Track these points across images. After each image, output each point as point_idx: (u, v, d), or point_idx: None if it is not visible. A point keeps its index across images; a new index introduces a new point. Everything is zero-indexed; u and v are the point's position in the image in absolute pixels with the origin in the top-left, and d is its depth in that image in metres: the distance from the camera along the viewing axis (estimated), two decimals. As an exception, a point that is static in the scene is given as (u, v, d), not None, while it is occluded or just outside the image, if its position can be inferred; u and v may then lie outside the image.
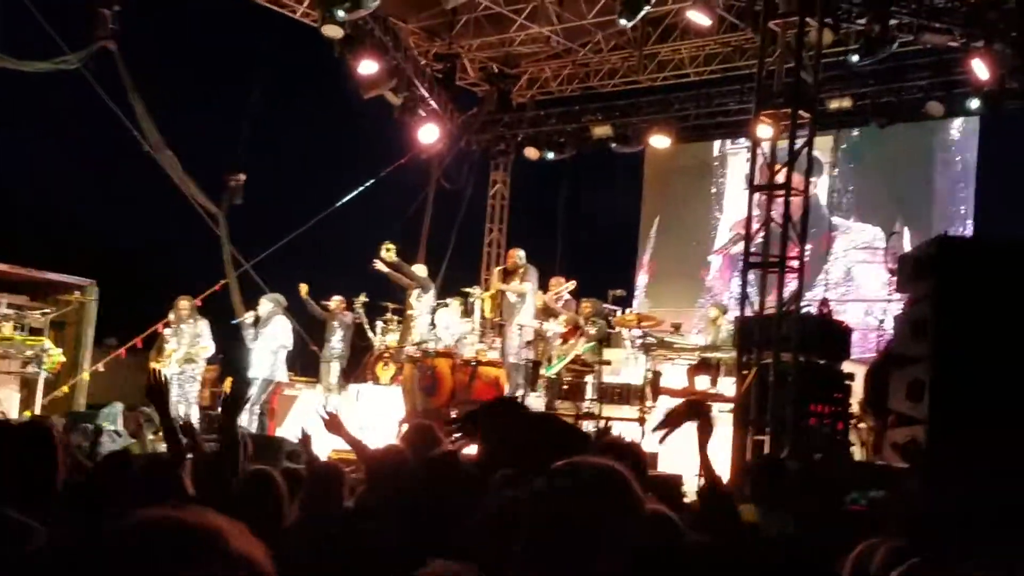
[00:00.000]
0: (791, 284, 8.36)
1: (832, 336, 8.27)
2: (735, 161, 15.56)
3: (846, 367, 8.51)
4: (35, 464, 3.41)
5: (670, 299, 15.79)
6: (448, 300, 13.20)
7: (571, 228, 15.85)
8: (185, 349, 11.42)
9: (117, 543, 1.17)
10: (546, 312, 11.75)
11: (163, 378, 4.69)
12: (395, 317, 13.55)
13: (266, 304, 11.67)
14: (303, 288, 12.72)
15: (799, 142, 8.39)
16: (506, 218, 16.76)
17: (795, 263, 8.25)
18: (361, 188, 14.58)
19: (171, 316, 12.19)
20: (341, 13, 11.05)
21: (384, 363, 12.75)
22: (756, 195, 8.48)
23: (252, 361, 11.52)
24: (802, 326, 8.05)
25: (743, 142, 15.18)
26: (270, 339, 11.46)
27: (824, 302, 8.52)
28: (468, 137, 15.55)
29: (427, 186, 15.45)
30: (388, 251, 11.72)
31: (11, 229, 14.66)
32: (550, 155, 14.97)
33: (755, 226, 8.43)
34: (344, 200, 14.55)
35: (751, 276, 8.59)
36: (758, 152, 8.55)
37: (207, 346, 11.60)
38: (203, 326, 11.65)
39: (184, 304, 11.77)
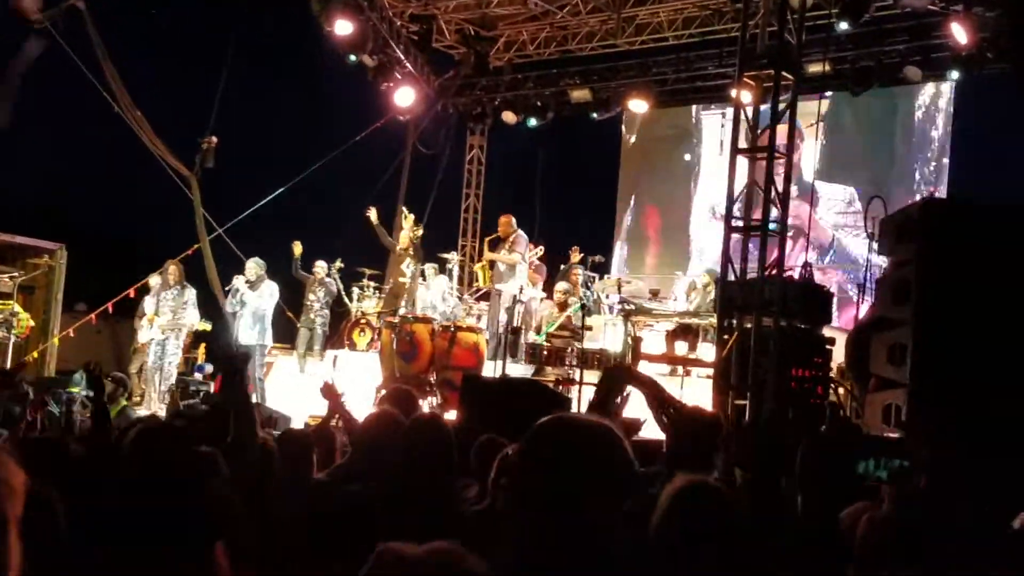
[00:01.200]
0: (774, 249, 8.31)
1: (814, 300, 8.25)
2: (710, 125, 15.51)
3: (827, 332, 8.51)
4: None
5: (648, 265, 15.78)
6: (424, 266, 13.12)
7: (549, 193, 15.75)
8: (169, 316, 11.23)
9: None
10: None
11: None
12: (371, 283, 13.46)
13: (254, 268, 11.49)
14: (297, 246, 12.59)
15: (782, 104, 8.33)
16: (483, 183, 16.63)
17: (777, 227, 8.21)
18: (336, 152, 14.38)
19: (153, 280, 11.99)
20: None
21: (360, 329, 12.66)
22: (739, 158, 8.41)
23: (240, 327, 11.33)
24: (784, 290, 8.02)
25: (717, 107, 15.17)
26: (259, 303, 11.30)
27: (806, 266, 8.49)
28: (445, 101, 15.38)
29: (404, 150, 15.29)
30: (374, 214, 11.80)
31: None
32: (530, 121, 14.82)
33: (737, 190, 8.37)
34: (319, 164, 14.34)
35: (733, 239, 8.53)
36: (740, 115, 8.47)
37: (193, 317, 11.44)
38: (190, 294, 11.48)
39: (172, 268, 11.58)
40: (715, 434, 3.71)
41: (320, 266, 12.77)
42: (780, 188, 8.26)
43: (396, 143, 15.26)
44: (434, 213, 15.46)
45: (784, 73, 8.21)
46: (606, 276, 13.67)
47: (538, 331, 11.24)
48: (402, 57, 13.81)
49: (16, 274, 11.88)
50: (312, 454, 4.56)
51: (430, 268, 12.86)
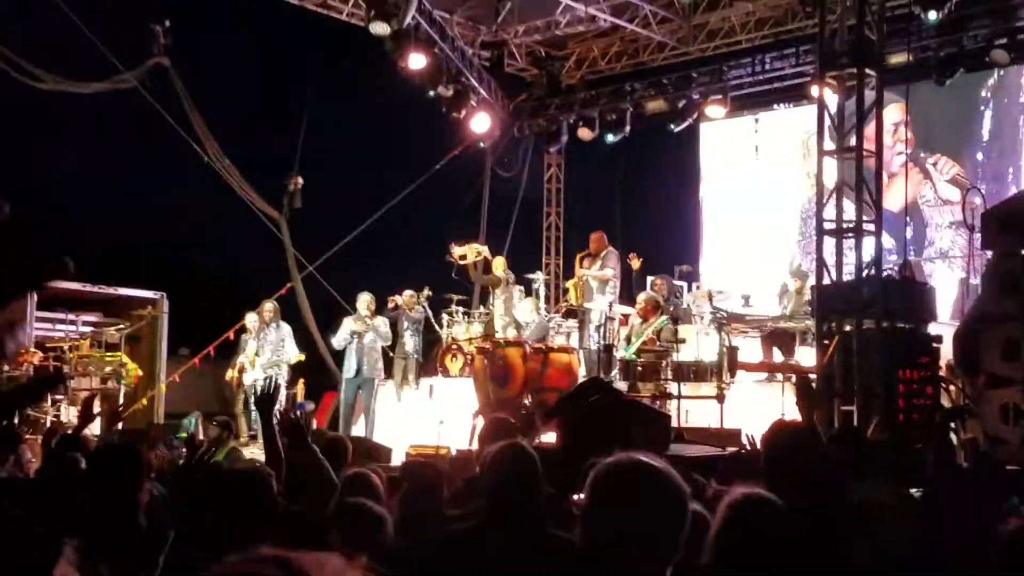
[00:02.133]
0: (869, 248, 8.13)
1: (916, 298, 8.03)
2: (782, 127, 15.32)
3: (933, 329, 8.27)
4: (120, 487, 3.43)
5: (736, 271, 15.56)
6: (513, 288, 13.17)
7: (629, 206, 15.68)
8: (269, 354, 11.48)
9: None
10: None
11: (275, 388, 4.74)
12: (459, 308, 13.57)
13: (368, 302, 11.58)
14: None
15: (866, 102, 8.16)
16: (563, 201, 16.66)
17: (871, 226, 8.03)
18: (417, 182, 14.58)
19: (249, 320, 12.27)
20: (391, 22, 11.18)
21: (452, 355, 12.75)
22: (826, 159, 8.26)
23: (357, 362, 11.36)
24: (884, 290, 7.83)
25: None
26: (375, 339, 11.41)
27: (906, 264, 8.27)
28: (520, 123, 15.46)
29: (482, 175, 15.43)
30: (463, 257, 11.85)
31: (80, 248, 14.94)
32: (607, 136, 14.79)
33: (827, 191, 8.22)
34: (400, 196, 14.56)
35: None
36: (824, 116, 8.32)
37: (293, 352, 11.66)
38: (287, 330, 11.72)
39: (268, 307, 11.86)
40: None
41: (407, 295, 12.89)
42: (871, 187, 8.08)
43: (474, 169, 15.42)
44: (516, 234, 15.57)
45: (867, 70, 8.05)
46: (695, 285, 13.54)
47: (628, 342, 11.14)
48: (476, 84, 13.95)
49: (123, 326, 12.31)
50: (441, 486, 4.59)
51: (517, 290, 12.92)
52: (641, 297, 11.24)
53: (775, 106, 15.07)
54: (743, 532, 2.26)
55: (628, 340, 10.84)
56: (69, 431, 9.98)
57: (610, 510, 2.03)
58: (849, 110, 8.38)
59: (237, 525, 3.18)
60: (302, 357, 12.28)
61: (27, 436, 7.91)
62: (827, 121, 8.37)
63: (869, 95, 8.33)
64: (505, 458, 3.75)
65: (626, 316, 11.79)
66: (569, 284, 12.94)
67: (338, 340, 11.42)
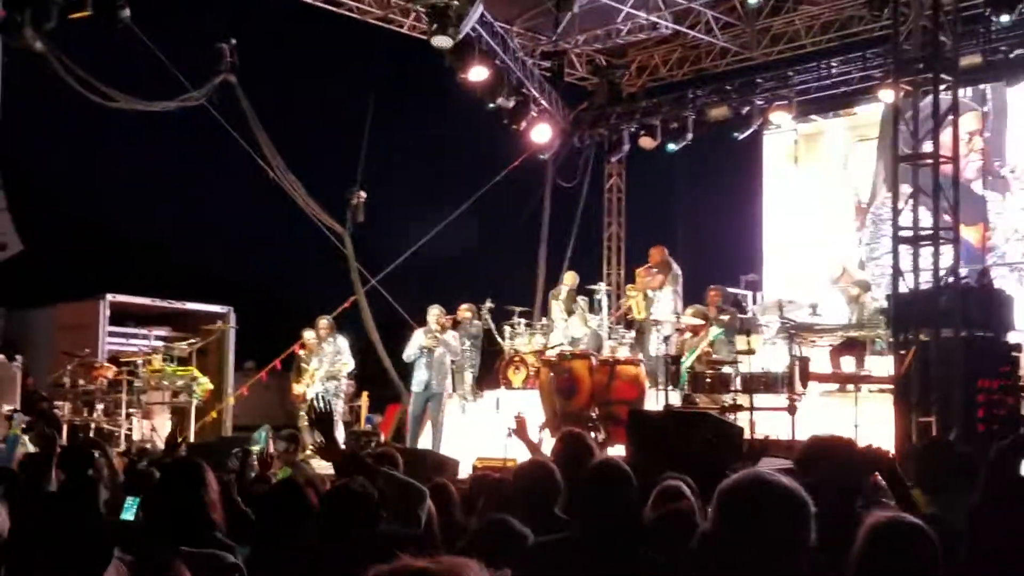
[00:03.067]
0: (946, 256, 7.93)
1: (995, 307, 7.83)
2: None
3: (1012, 338, 8.05)
4: (186, 503, 3.45)
5: (797, 279, 15.32)
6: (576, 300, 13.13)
7: (691, 215, 15.53)
8: (327, 367, 11.63)
9: None
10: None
11: (328, 406, 4.74)
12: (522, 320, 13.55)
13: (438, 317, 11.50)
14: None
15: (941, 106, 7.96)
16: (624, 211, 16.55)
17: (949, 234, 7.83)
18: (478, 193, 14.61)
19: (307, 335, 12.44)
20: (450, 33, 11.22)
21: (515, 367, 12.74)
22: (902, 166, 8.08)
23: (427, 376, 11.30)
24: (963, 299, 7.63)
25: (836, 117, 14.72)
26: (444, 352, 11.40)
27: (984, 272, 8.06)
28: (581, 133, 15.41)
29: (543, 186, 15.40)
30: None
31: (148, 263, 15.26)
32: (669, 145, 14.64)
33: (903, 197, 8.04)
34: (461, 208, 14.61)
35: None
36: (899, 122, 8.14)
37: (348, 362, 11.80)
38: (343, 343, 11.87)
39: (323, 323, 12.04)
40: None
41: (464, 309, 12.89)
42: (949, 193, 7.88)
43: (536, 179, 15.40)
44: (578, 245, 15.51)
45: (942, 75, 7.86)
46: (759, 295, 13.34)
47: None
48: (536, 95, 13.93)
49: (193, 340, 12.51)
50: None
51: (582, 300, 12.87)
52: (688, 312, 11.12)
53: (840, 111, 14.81)
54: (888, 557, 2.22)
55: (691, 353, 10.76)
56: (147, 446, 10.15)
57: (740, 527, 2.02)
58: (924, 113, 8.21)
59: (341, 542, 3.18)
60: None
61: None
62: (902, 126, 8.19)
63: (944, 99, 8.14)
64: (601, 474, 3.72)
65: (695, 328, 11.67)
66: (631, 296, 12.83)
67: (408, 353, 11.41)
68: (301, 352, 12.77)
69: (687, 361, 10.57)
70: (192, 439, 11.60)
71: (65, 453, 5.94)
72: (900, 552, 2.34)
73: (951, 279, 7.73)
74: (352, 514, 3.33)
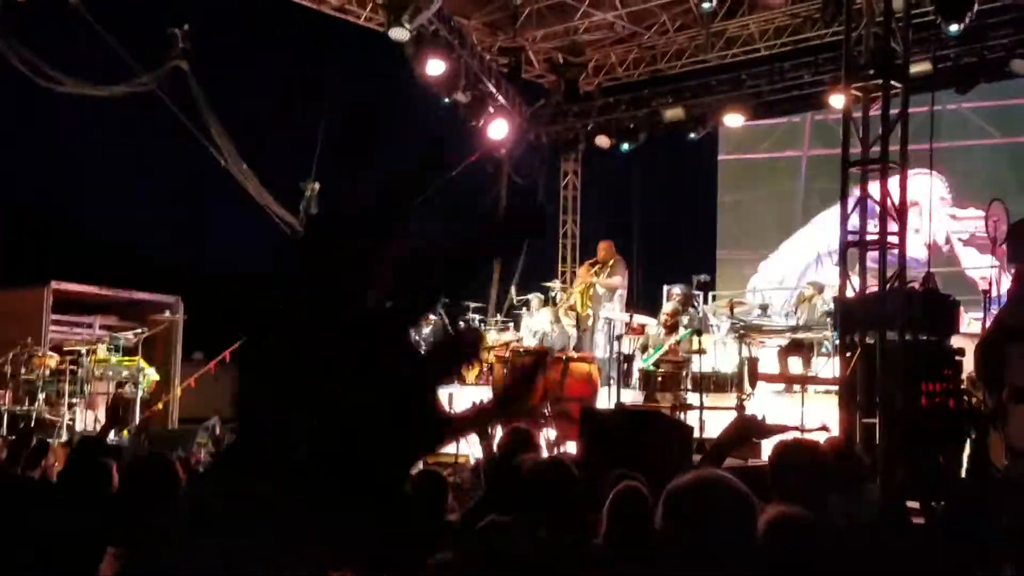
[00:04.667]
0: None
1: (940, 311, 7.98)
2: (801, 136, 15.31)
3: (955, 342, 8.21)
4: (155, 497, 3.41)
5: (751, 281, 15.53)
6: (528, 296, 13.15)
7: (646, 215, 15.63)
8: None
9: None
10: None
11: None
12: (476, 316, 13.53)
13: None
14: None
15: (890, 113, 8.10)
16: (579, 209, 16.61)
17: (895, 239, 7.96)
18: (432, 188, 14.52)
19: None
20: (405, 24, 11.11)
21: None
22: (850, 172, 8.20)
23: None
24: (908, 303, 7.77)
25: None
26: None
27: (928, 276, 8.21)
28: (537, 130, 15.43)
29: (499, 182, 15.40)
30: None
31: (95, 251, 14.99)
32: (624, 144, 14.74)
33: (850, 204, 8.16)
34: (415, 203, 14.51)
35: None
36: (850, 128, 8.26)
37: None
38: None
39: None
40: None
41: None
42: (895, 200, 8.02)
43: (492, 176, 15.38)
44: (533, 242, 15.51)
45: (892, 81, 7.99)
46: (711, 295, 13.47)
47: (644, 352, 11.08)
48: (493, 91, 13.93)
49: (141, 331, 12.30)
50: (447, 495, 4.58)
51: (535, 298, 12.88)
52: (668, 308, 11.19)
53: (793, 115, 15.03)
54: (782, 550, 2.25)
55: (644, 349, 10.78)
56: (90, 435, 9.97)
57: (686, 526, 2.06)
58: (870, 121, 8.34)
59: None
60: None
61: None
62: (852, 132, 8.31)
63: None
64: (544, 470, 3.73)
65: (641, 326, 11.74)
66: (576, 291, 12.85)
67: None
68: None
69: (651, 358, 10.60)
70: (135, 431, 11.43)
71: (16, 443, 5.84)
72: (792, 544, 2.38)
73: (896, 283, 7.86)
74: None
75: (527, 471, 3.81)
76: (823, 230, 14.54)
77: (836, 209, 8.48)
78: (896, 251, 7.94)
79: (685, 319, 10.95)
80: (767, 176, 15.66)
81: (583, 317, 12.27)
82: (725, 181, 16.09)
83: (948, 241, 13.76)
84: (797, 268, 15.20)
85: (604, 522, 3.43)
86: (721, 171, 16.07)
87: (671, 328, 11.12)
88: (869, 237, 8.04)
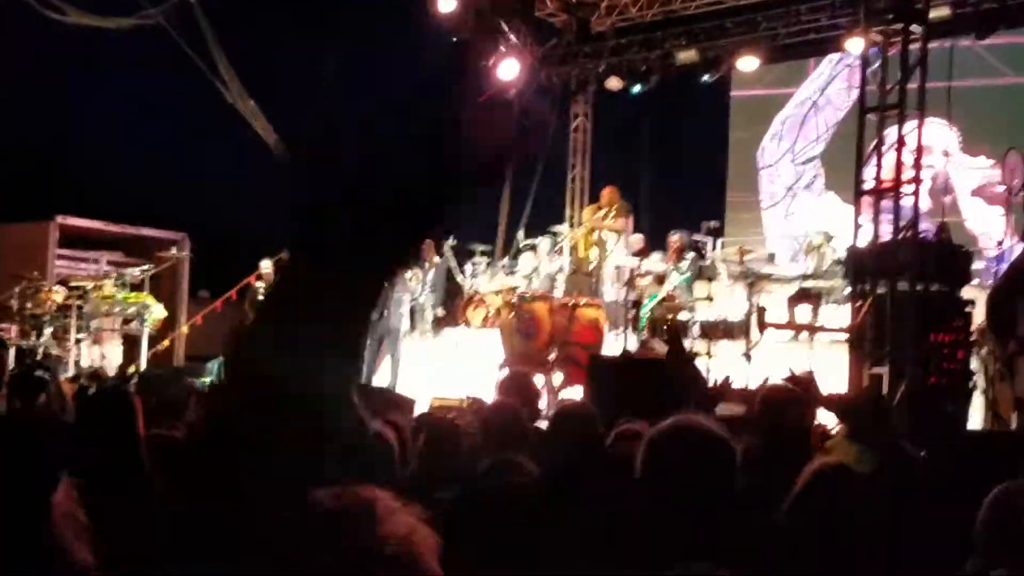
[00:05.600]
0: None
1: (952, 261, 7.90)
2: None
3: (966, 292, 8.15)
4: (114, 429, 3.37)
5: (759, 229, 15.43)
6: (536, 240, 13.04)
7: (656, 159, 15.47)
8: None
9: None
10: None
11: None
12: (483, 259, 13.46)
13: None
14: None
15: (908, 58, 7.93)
16: (589, 152, 16.41)
17: (910, 187, 7.86)
18: (442, 128, 14.36)
19: (264, 266, 12.20)
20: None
21: (475, 306, 12.67)
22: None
23: (381, 310, 11.21)
24: (920, 253, 7.69)
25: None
26: (404, 289, 11.32)
27: (942, 226, 8.11)
28: (548, 71, 15.18)
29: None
30: None
31: (100, 185, 14.90)
32: (635, 87, 14.50)
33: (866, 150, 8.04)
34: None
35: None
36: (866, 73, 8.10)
37: None
38: None
39: (285, 256, 11.79)
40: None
41: (426, 244, 12.72)
42: (913, 147, 7.89)
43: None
44: (541, 185, 15.37)
45: (912, 27, 7.81)
46: (719, 242, 13.37)
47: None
48: (505, 29, 13.68)
49: (148, 267, 12.26)
50: (459, 441, 4.55)
51: (546, 241, 12.75)
52: (655, 257, 11.11)
53: (810, 58, 14.80)
54: (823, 498, 2.23)
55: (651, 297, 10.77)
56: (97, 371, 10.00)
57: (665, 472, 2.06)
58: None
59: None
60: None
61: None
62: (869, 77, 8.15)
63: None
64: (569, 416, 3.71)
65: (648, 272, 11.67)
66: (579, 234, 12.69)
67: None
68: (258, 284, 12.57)
69: (646, 307, 10.58)
70: (143, 368, 11.46)
71: (16, 378, 5.83)
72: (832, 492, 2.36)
73: (909, 233, 7.77)
74: None
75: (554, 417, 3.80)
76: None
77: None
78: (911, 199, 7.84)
79: (684, 264, 10.88)
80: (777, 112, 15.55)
81: (583, 260, 12.18)
82: (736, 119, 15.86)
83: (950, 191, 13.57)
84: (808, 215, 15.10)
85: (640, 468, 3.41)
86: (733, 108, 15.84)
87: (660, 279, 11.02)
88: (883, 185, 7.93)
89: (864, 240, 8.01)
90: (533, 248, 12.94)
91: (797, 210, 15.48)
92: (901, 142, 7.77)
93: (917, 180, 7.90)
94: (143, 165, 15.47)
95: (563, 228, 12.89)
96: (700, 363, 9.26)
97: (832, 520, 2.21)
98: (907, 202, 7.83)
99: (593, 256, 11.97)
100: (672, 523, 2.05)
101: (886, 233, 8.14)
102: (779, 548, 2.18)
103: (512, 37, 13.91)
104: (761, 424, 3.68)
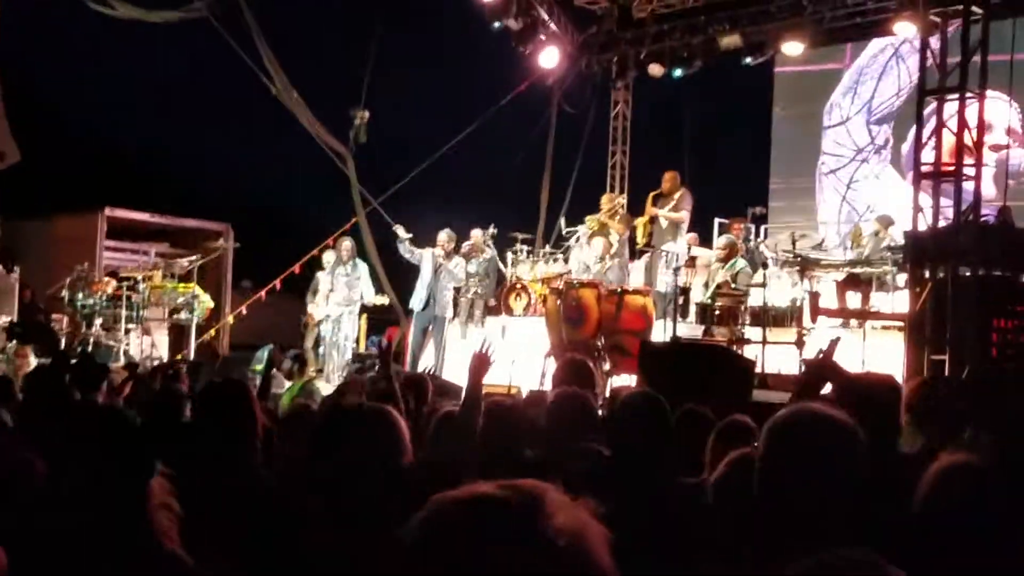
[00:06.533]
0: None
1: (1014, 246, 7.75)
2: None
3: (1026, 279, 8.01)
4: (236, 421, 3.39)
5: (805, 215, 15.25)
6: (578, 228, 12.97)
7: (698, 146, 15.32)
8: (345, 292, 11.42)
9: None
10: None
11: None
12: (524, 247, 13.43)
13: (444, 243, 11.44)
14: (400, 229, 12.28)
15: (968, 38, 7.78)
16: (630, 139, 16.31)
17: (971, 171, 7.72)
18: (482, 118, 14.36)
19: (327, 256, 12.20)
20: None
21: (517, 294, 12.65)
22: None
23: (427, 297, 11.24)
24: (982, 237, 7.55)
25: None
26: (449, 278, 11.33)
27: (1004, 210, 7.97)
28: (589, 58, 15.09)
29: (549, 111, 15.15)
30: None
31: (146, 178, 15.03)
32: (676, 71, 14.36)
33: (926, 133, 7.90)
34: (466, 132, 14.36)
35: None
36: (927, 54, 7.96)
37: (367, 291, 11.59)
38: (363, 269, 11.63)
39: (347, 245, 11.80)
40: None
41: (475, 234, 12.73)
42: (972, 129, 7.75)
43: (541, 105, 15.13)
44: (582, 172, 15.32)
45: (973, 7, 7.66)
46: (764, 228, 13.25)
47: (706, 287, 10.93)
48: (545, 17, 13.62)
49: (195, 257, 12.35)
50: (517, 425, 4.51)
51: (586, 228, 12.71)
52: (722, 241, 11.01)
53: (857, 41, 14.56)
54: (952, 500, 2.16)
55: (706, 285, 10.65)
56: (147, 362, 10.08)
57: (792, 461, 2.00)
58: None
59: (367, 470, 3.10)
60: (383, 300, 12.17)
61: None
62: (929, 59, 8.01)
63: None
64: (635, 403, 3.67)
65: (693, 259, 11.60)
66: (638, 223, 12.70)
67: (408, 255, 11.36)
68: (320, 274, 12.56)
69: (709, 291, 10.46)
70: (192, 357, 11.55)
71: (77, 368, 5.88)
72: (966, 495, 2.28)
73: (971, 217, 7.64)
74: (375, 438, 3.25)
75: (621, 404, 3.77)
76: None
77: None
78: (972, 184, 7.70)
79: (743, 252, 10.79)
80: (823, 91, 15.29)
81: (647, 250, 12.15)
82: (780, 96, 15.60)
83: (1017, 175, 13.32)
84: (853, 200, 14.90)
85: (708, 453, 3.37)
86: (776, 86, 15.59)
87: (726, 261, 10.96)
88: (944, 168, 7.80)
89: (923, 225, 7.88)
90: (575, 235, 12.91)
91: (863, 178, 14.92)
92: (962, 124, 7.63)
93: (978, 164, 7.76)
94: (188, 157, 15.59)
95: (592, 218, 12.85)
96: (750, 351, 9.20)
97: (968, 517, 2.14)
98: (968, 186, 7.69)
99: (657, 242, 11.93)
100: (801, 511, 2.01)
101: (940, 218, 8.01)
102: (915, 542, 2.13)
103: (552, 25, 13.83)
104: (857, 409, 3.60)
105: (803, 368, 5.99)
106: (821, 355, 3.47)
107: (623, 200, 13.26)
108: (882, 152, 14.85)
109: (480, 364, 4.28)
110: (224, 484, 3.03)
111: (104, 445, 2.40)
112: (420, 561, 1.10)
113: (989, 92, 7.98)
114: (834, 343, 3.44)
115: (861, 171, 15.01)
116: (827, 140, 15.31)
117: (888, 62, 14.71)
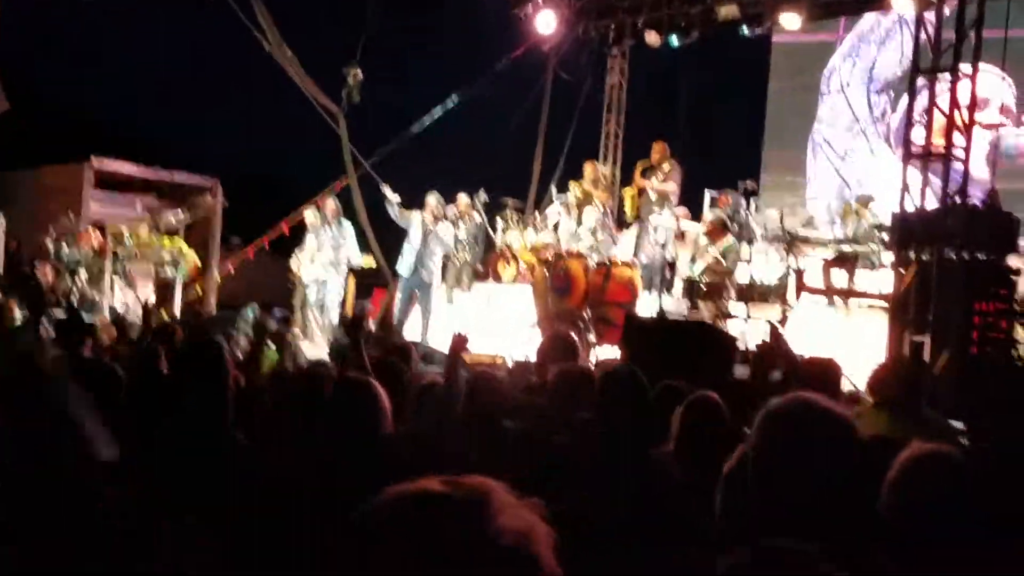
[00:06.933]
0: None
1: (1000, 229, 7.76)
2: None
3: (1012, 261, 8.02)
4: (209, 380, 3.38)
5: (798, 192, 15.24)
6: (566, 196, 12.88)
7: (693, 117, 15.22)
8: (331, 253, 11.29)
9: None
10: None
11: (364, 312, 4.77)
12: (514, 214, 13.36)
13: (434, 208, 11.25)
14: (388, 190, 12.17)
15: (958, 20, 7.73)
16: (624, 108, 16.19)
17: (961, 152, 7.70)
18: (477, 83, 14.24)
19: (309, 216, 12.09)
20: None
21: (505, 262, 12.61)
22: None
23: (415, 262, 11.04)
24: (969, 220, 7.55)
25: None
26: (437, 243, 11.18)
27: (991, 192, 7.96)
28: (586, 23, 14.93)
29: (544, 77, 15.02)
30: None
31: (135, 130, 14.89)
32: (673, 40, 14.22)
33: (917, 112, 7.87)
34: (460, 96, 14.26)
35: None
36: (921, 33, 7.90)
37: (354, 253, 11.45)
38: (348, 229, 11.48)
39: (331, 206, 11.65)
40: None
41: (461, 198, 12.63)
42: (963, 110, 7.72)
43: (537, 72, 15.00)
44: (575, 140, 15.23)
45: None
46: (752, 201, 13.21)
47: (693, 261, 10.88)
48: (543, -19, 13.46)
49: (183, 216, 12.27)
50: (501, 395, 4.52)
51: (570, 195, 12.61)
52: (708, 217, 10.97)
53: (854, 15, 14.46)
54: (922, 488, 2.17)
55: (693, 259, 10.62)
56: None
57: (785, 451, 1.99)
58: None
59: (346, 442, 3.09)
60: (369, 263, 12.07)
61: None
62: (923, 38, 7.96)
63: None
64: (617, 376, 3.69)
65: (682, 233, 11.56)
66: (627, 194, 12.63)
67: (399, 220, 11.19)
68: (308, 235, 12.44)
69: (698, 267, 10.40)
70: (177, 314, 11.50)
71: (63, 323, 5.86)
72: (937, 484, 2.28)
73: (959, 199, 7.63)
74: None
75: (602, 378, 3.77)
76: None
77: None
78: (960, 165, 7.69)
79: (733, 227, 10.75)
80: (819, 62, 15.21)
81: (635, 222, 12.09)
82: (777, 67, 15.50)
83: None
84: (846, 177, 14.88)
85: (676, 427, 3.38)
86: (773, 56, 15.49)
87: (714, 238, 10.89)
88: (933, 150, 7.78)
89: (910, 205, 7.87)
90: (566, 204, 12.84)
91: (858, 151, 14.88)
92: (953, 104, 7.59)
93: (968, 146, 7.73)
94: (178, 111, 15.45)
95: (575, 184, 12.76)
96: (735, 326, 9.21)
97: (938, 508, 2.14)
98: (958, 166, 7.68)
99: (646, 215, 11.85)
100: (785, 499, 2.00)
101: (928, 198, 8.00)
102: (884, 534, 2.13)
103: (550, -11, 13.68)
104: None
105: (756, 350, 6.04)
106: (770, 339, 3.51)
107: (606, 171, 13.17)
108: (877, 125, 14.78)
109: (458, 344, 4.40)
110: (196, 440, 3.05)
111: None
112: (363, 553, 1.10)
113: (984, 67, 7.94)
114: (775, 328, 3.46)
115: (857, 142, 14.96)
116: (824, 107, 15.23)
117: (892, 27, 14.55)
